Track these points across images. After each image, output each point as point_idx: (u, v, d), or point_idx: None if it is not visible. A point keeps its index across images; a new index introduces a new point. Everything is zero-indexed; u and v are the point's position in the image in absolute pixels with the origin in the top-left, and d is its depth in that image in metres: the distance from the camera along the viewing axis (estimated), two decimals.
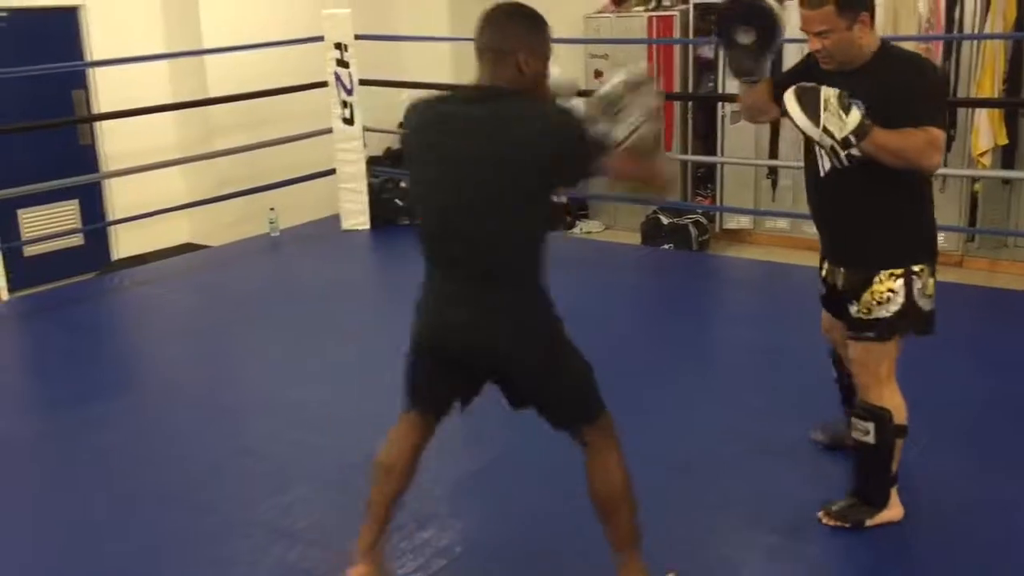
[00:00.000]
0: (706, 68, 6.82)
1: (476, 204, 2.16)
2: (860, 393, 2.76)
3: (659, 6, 6.82)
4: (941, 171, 5.92)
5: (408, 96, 6.53)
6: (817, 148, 2.58)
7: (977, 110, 5.69)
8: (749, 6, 2.72)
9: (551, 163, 2.11)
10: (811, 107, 2.40)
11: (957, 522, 2.89)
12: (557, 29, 7.03)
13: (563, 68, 7.43)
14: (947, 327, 4.39)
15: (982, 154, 5.74)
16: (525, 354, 2.26)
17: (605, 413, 2.38)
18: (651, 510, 2.50)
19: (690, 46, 6.74)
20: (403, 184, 6.83)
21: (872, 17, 2.57)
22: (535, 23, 2.22)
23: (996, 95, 5.61)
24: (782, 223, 6.62)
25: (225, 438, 3.65)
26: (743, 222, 6.80)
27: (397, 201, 6.64)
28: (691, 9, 6.61)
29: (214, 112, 6.50)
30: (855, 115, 2.39)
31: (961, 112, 5.79)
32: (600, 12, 7.04)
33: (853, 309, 2.69)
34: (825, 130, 2.39)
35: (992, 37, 5.60)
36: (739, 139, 6.62)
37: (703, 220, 6.61)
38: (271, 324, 4.88)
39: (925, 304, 2.65)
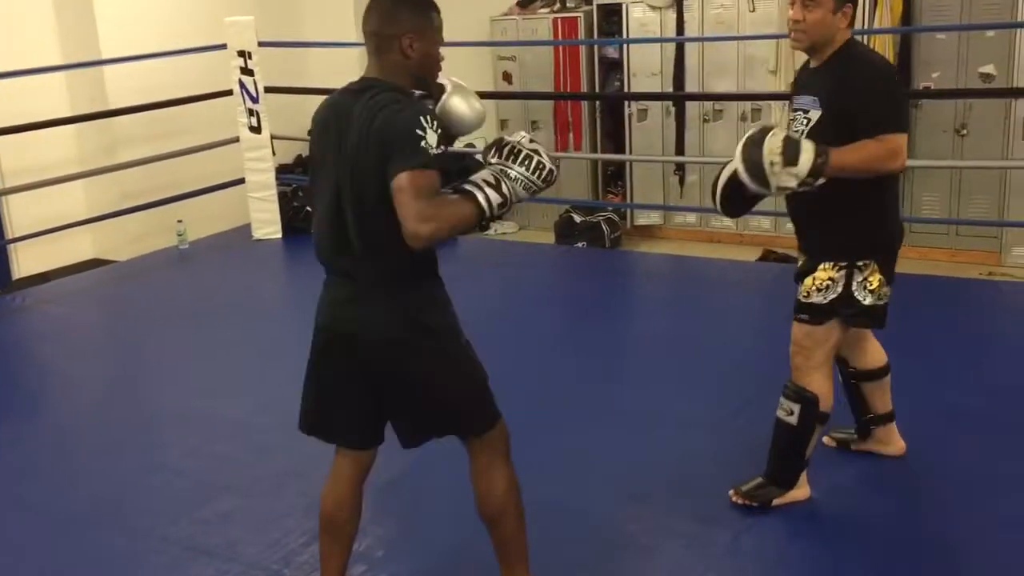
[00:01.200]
0: (611, 68, 6.93)
1: (350, 198, 2.12)
2: (792, 374, 2.83)
3: (563, 8, 6.90)
4: None
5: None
6: None
7: None
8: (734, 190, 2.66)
9: (383, 146, 2.04)
10: (758, 177, 2.47)
11: (857, 497, 3.01)
12: (463, 32, 7.08)
13: (471, 70, 7.45)
14: None
15: None
16: (411, 352, 2.18)
17: (497, 425, 2.30)
18: (573, 496, 2.54)
19: (595, 46, 6.84)
20: None
21: (853, 15, 2.65)
22: (419, 5, 2.19)
23: None
24: (691, 218, 6.78)
25: (139, 455, 3.58)
26: (653, 218, 6.93)
27: (308, 209, 6.57)
28: (595, 10, 6.72)
29: (116, 124, 6.34)
30: (805, 160, 2.44)
31: None
32: (506, 14, 7.10)
33: (798, 290, 2.77)
34: (779, 188, 2.48)
35: (881, 32, 5.82)
36: (646, 137, 6.75)
37: (615, 217, 6.72)
38: (182, 338, 4.79)
39: (865, 298, 2.70)
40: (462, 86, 2.36)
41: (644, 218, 6.95)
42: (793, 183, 2.47)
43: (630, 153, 6.80)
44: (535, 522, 2.44)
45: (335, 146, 2.16)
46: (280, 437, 3.61)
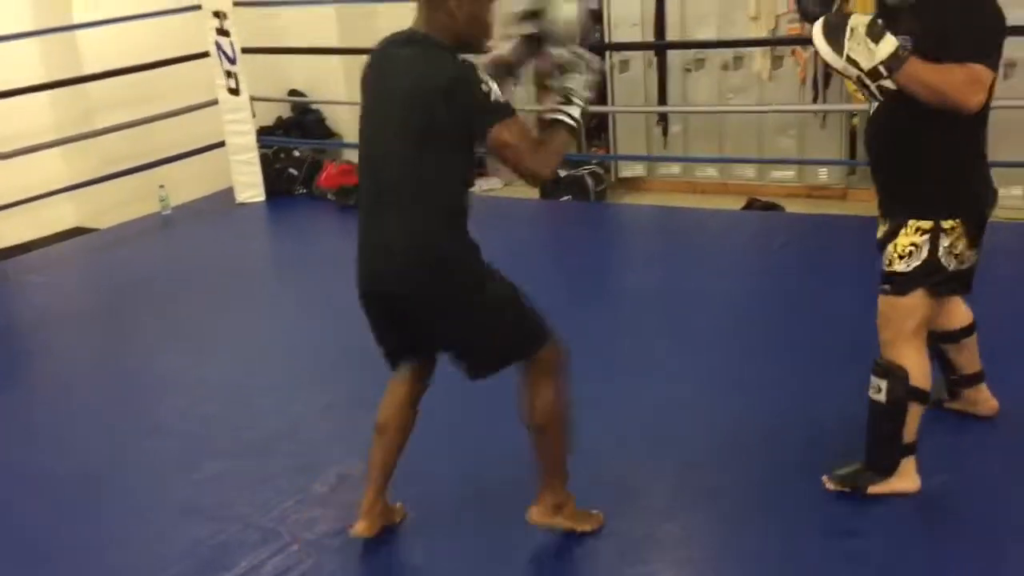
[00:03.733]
0: (592, 19, 6.85)
1: (391, 137, 2.26)
2: (881, 349, 2.63)
3: None
4: (822, 106, 6.17)
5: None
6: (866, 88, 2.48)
7: None
8: None
9: (446, 104, 2.18)
10: (835, 36, 2.29)
11: (972, 498, 2.69)
12: None
13: None
14: (835, 256, 4.66)
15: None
16: (439, 283, 2.29)
17: (548, 345, 2.41)
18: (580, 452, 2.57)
19: None
20: (296, 153, 6.71)
21: None
22: None
23: None
24: (675, 168, 6.75)
25: (130, 419, 3.59)
26: (638, 170, 6.90)
27: (291, 171, 6.53)
28: None
29: (91, 90, 6.25)
30: (887, 45, 2.27)
31: None
32: None
33: (882, 259, 2.59)
34: (849, 59, 2.28)
35: None
36: (628, 88, 6.69)
37: (599, 170, 6.68)
38: (169, 303, 4.78)
39: (950, 263, 2.51)
40: None
41: (628, 170, 6.92)
42: (864, 61, 2.26)
43: (612, 105, 6.75)
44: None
45: (378, 91, 2.31)
46: (269, 399, 3.63)
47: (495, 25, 2.36)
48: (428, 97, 2.19)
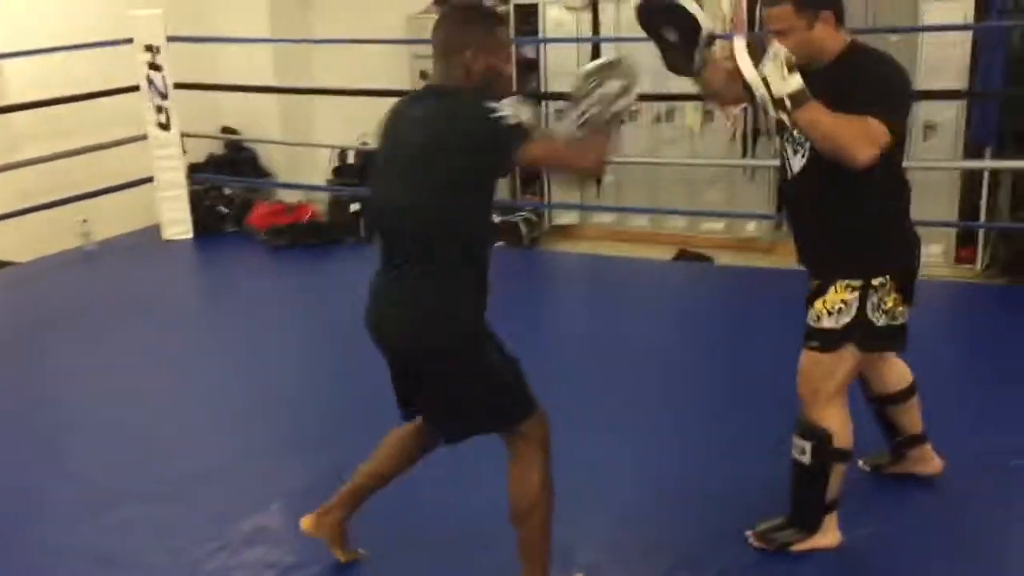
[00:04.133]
0: (529, 68, 6.93)
1: (409, 193, 2.24)
2: (803, 408, 2.61)
3: None
4: (750, 161, 6.31)
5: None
6: (784, 150, 2.57)
7: None
8: (666, 6, 2.66)
9: (471, 153, 2.18)
10: (757, 54, 2.35)
11: (894, 548, 2.73)
12: (379, 30, 6.97)
13: (386, 69, 7.34)
14: (761, 308, 4.73)
15: None
16: (436, 341, 2.27)
17: (534, 418, 2.36)
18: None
19: (513, 46, 6.82)
20: (227, 191, 6.63)
21: (838, 16, 2.47)
22: (483, 21, 2.33)
23: None
24: (608, 217, 6.81)
25: (41, 462, 3.44)
26: (571, 218, 6.95)
27: (222, 209, 6.43)
28: (511, 10, 6.71)
29: (15, 120, 6.09)
30: (797, 80, 2.31)
31: None
32: (424, 12, 7.03)
33: (808, 315, 2.57)
34: (764, 80, 2.33)
35: None
36: None
37: (533, 217, 6.72)
38: (85, 340, 4.63)
39: (880, 319, 2.51)
40: None
41: (562, 218, 6.97)
42: (775, 86, 2.30)
43: None
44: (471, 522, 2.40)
45: (395, 147, 2.28)
46: (187, 442, 3.52)
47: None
48: (452, 143, 2.18)
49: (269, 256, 5.87)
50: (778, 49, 2.34)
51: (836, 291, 2.50)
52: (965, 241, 5.56)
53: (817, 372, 2.56)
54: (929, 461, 3.00)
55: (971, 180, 5.46)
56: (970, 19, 5.43)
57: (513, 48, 2.45)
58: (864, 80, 2.40)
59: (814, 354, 2.56)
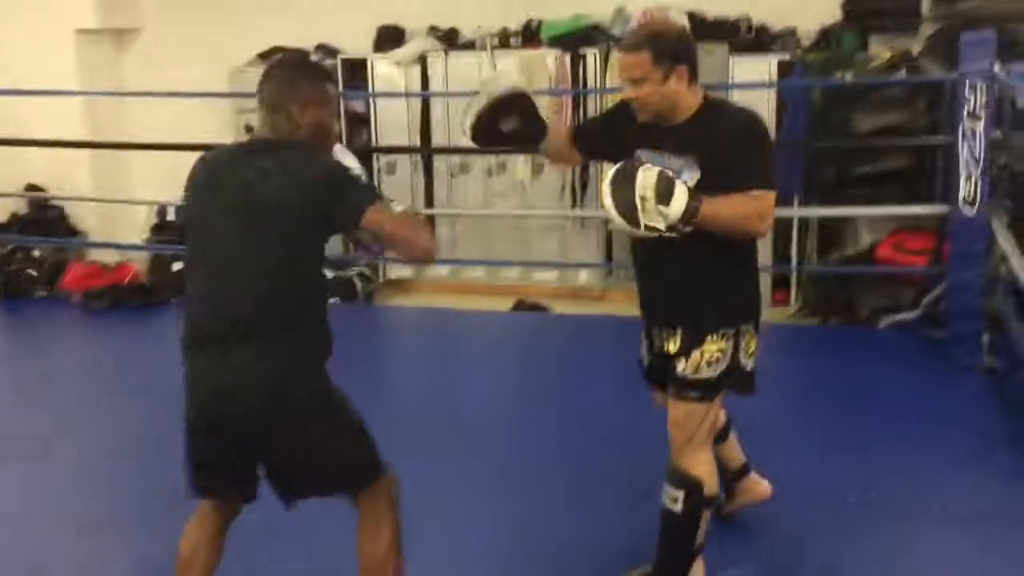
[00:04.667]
0: (359, 122, 6.88)
1: (239, 254, 2.14)
2: (674, 455, 2.61)
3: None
4: (579, 213, 6.49)
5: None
6: None
7: None
8: (497, 102, 2.66)
9: (318, 206, 2.12)
10: (628, 209, 2.30)
11: None
12: (202, 83, 6.71)
13: (208, 122, 7.08)
14: (594, 353, 4.83)
15: None
16: (283, 406, 2.15)
17: (385, 476, 2.31)
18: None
19: (342, 101, 6.76)
20: (36, 253, 6.18)
21: (693, 72, 2.46)
22: (309, 74, 2.29)
23: None
24: (443, 270, 6.81)
25: None
26: (406, 272, 6.91)
27: (30, 272, 5.98)
28: (339, 64, 6.66)
29: None
30: (678, 201, 2.29)
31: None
32: (247, 65, 6.87)
33: (680, 367, 2.55)
34: (647, 227, 2.31)
35: (613, 91, 6.18)
36: (395, 191, 6.72)
37: (367, 272, 6.63)
38: None
39: (748, 363, 2.59)
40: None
41: (397, 272, 6.92)
42: (661, 224, 2.30)
43: None
44: None
45: (229, 203, 2.15)
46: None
47: (339, 129, 2.36)
48: (298, 196, 2.11)
49: (85, 320, 5.49)
50: (643, 188, 2.28)
51: (714, 341, 2.53)
52: (779, 284, 5.92)
53: (692, 422, 2.58)
54: (758, 487, 3.10)
55: (782, 226, 5.82)
56: (774, 77, 5.86)
57: (340, 102, 2.42)
58: (745, 152, 2.42)
59: (690, 405, 2.57)
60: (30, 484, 3.60)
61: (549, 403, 4.31)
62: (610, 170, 2.35)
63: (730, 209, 2.38)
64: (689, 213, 2.30)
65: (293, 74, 2.27)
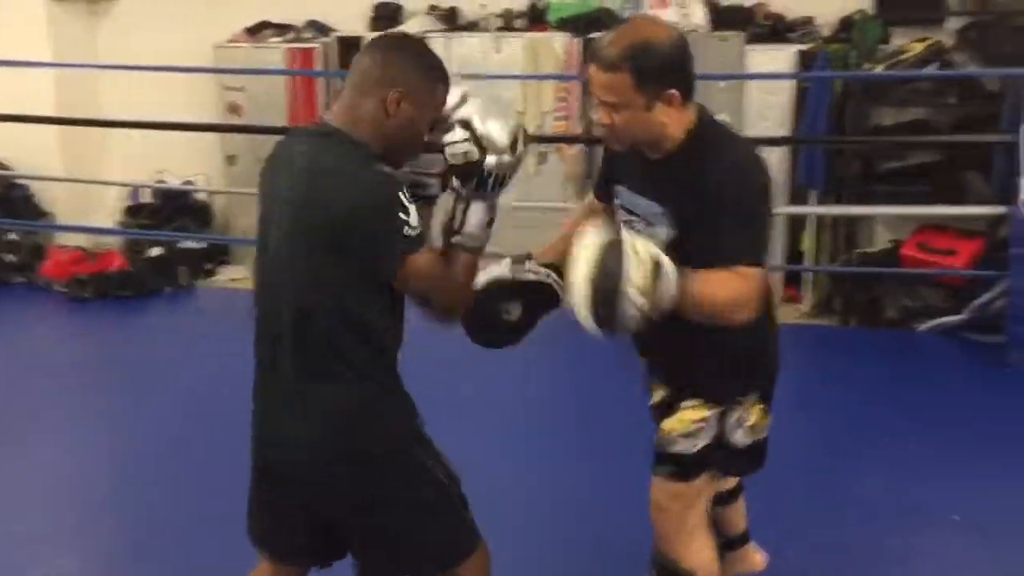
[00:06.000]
0: None
1: (290, 266, 1.78)
2: (659, 544, 2.21)
3: (298, 38, 6.42)
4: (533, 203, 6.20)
5: None
6: None
7: None
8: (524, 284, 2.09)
9: (344, 231, 1.74)
10: (618, 322, 1.87)
11: None
12: (184, 59, 6.33)
13: (190, 100, 6.68)
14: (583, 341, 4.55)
15: None
16: (345, 471, 1.80)
17: (478, 551, 1.92)
18: None
19: (331, 79, 6.43)
20: (12, 236, 5.73)
21: (686, 93, 1.97)
22: (425, 64, 1.85)
23: None
24: None
25: None
26: None
27: (8, 257, 5.54)
28: (335, 43, 6.32)
29: None
30: (663, 297, 1.85)
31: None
32: (233, 42, 6.48)
33: (657, 435, 2.16)
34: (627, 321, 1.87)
35: None
36: None
37: None
38: None
39: (741, 438, 2.13)
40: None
41: None
42: (654, 309, 1.85)
43: None
44: None
45: (282, 200, 1.80)
46: None
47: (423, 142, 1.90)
48: (331, 215, 1.73)
49: (70, 311, 5.08)
50: (634, 298, 1.82)
51: (691, 408, 2.09)
52: (790, 280, 5.75)
53: (677, 505, 2.15)
54: (752, 557, 2.70)
55: (796, 221, 5.66)
56: (793, 68, 5.68)
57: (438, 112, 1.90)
58: (726, 205, 1.92)
59: (669, 484, 2.14)
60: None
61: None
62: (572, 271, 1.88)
63: (713, 295, 1.90)
64: (679, 295, 1.86)
65: (404, 56, 1.85)
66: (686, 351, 2.06)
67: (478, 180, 1.81)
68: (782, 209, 5.44)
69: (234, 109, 6.51)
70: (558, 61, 6.10)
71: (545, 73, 6.09)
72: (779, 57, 5.69)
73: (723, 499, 2.55)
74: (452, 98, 1.89)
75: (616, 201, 2.16)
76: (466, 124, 1.82)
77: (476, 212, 1.83)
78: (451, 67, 6.52)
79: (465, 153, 1.81)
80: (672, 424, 2.10)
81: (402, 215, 1.73)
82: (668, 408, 2.14)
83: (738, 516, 2.62)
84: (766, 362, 2.18)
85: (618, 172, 2.16)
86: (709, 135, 2.01)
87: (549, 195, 6.19)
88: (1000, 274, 4.31)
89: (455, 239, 1.85)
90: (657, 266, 1.84)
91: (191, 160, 6.52)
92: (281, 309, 1.80)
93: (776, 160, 5.82)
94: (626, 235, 1.89)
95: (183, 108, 6.09)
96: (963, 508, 3.07)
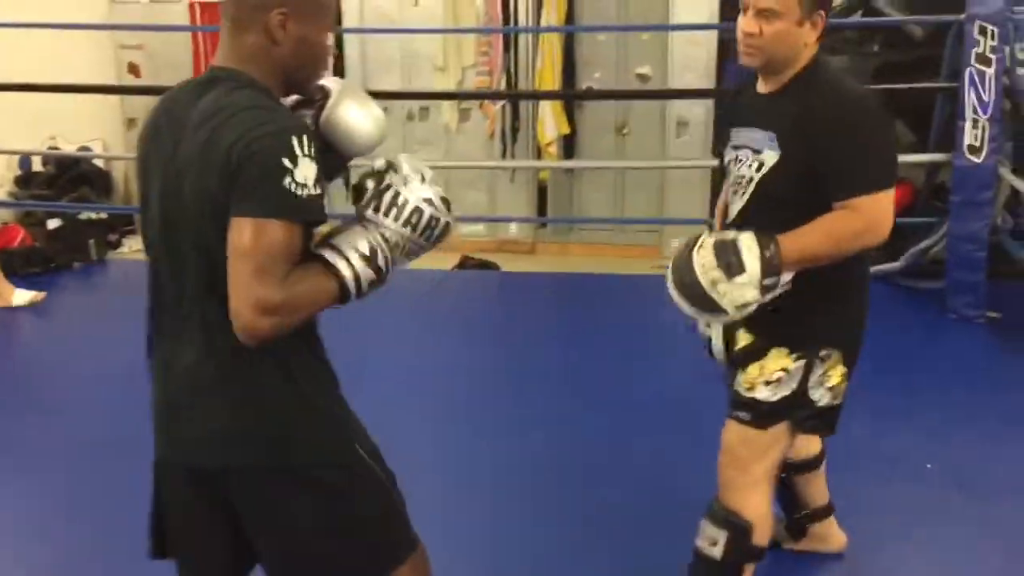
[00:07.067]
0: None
1: (182, 230, 1.50)
2: (720, 491, 2.16)
3: None
4: (510, 163, 6.11)
5: None
6: (733, 184, 2.12)
7: (542, 102, 5.90)
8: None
9: (230, 186, 1.42)
10: (704, 303, 1.92)
11: None
12: (77, 15, 5.86)
13: (84, 60, 6.20)
14: (525, 309, 4.51)
15: (549, 144, 5.97)
16: (253, 460, 1.55)
17: (412, 559, 1.67)
18: None
19: (335, 12, 6.09)
20: None
21: (824, 26, 2.01)
22: None
23: (556, 86, 5.87)
24: None
25: None
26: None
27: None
28: None
29: None
30: (751, 260, 1.89)
31: (525, 104, 5.98)
32: None
33: (738, 379, 2.13)
34: (739, 307, 1.92)
35: (547, 30, 5.82)
36: None
37: None
38: None
39: (820, 396, 2.11)
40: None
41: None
42: (753, 294, 1.90)
43: None
44: None
45: (167, 160, 1.52)
46: None
47: (328, 55, 1.65)
48: (224, 177, 1.42)
49: None
50: (703, 260, 1.91)
51: (779, 356, 2.08)
52: None
53: (746, 451, 2.13)
54: (834, 536, 2.63)
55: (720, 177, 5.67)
56: (715, 18, 5.65)
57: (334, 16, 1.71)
58: (848, 142, 1.96)
59: (744, 429, 2.12)
60: None
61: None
62: (668, 271, 1.97)
63: (824, 236, 1.95)
64: (770, 265, 1.90)
65: None
66: (779, 298, 2.01)
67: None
68: (703, 162, 5.44)
69: (133, 69, 6.12)
70: (478, 14, 5.92)
71: (465, 27, 5.91)
72: (701, 6, 5.68)
73: (805, 466, 2.50)
74: (378, 163, 1.60)
75: (729, 143, 2.16)
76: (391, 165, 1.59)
77: (375, 235, 1.53)
78: (366, 19, 6.24)
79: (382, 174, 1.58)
80: (756, 370, 2.11)
81: (287, 162, 1.40)
82: (753, 355, 2.12)
83: (821, 485, 2.56)
84: (853, 318, 2.17)
85: (733, 116, 2.17)
86: (828, 70, 2.08)
87: (473, 152, 6.05)
88: (939, 220, 4.38)
89: (324, 245, 1.51)
90: (724, 243, 1.92)
91: (87, 125, 6.10)
92: (176, 278, 1.54)
93: (700, 113, 5.83)
94: (702, 238, 1.97)
95: (76, 68, 5.66)
96: (910, 455, 3.08)
